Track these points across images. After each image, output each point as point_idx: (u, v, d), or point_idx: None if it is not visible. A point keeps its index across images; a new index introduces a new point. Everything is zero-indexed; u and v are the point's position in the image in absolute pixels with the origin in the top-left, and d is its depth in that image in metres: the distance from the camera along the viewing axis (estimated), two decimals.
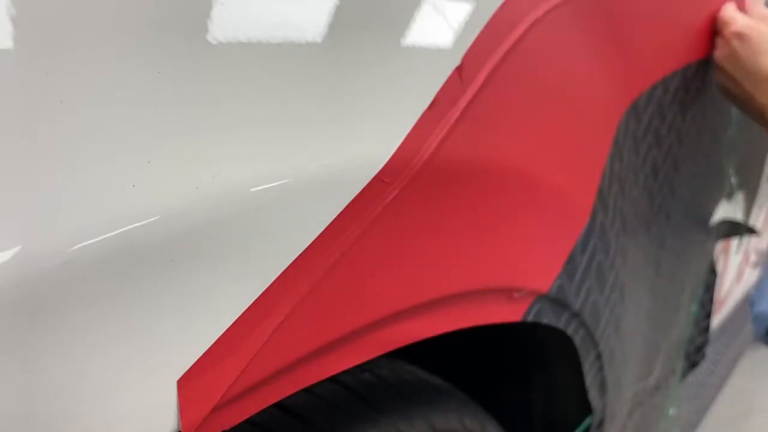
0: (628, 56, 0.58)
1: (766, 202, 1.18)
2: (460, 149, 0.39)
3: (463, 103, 0.39)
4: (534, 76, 0.46)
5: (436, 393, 0.53)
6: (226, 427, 0.31)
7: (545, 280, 0.51)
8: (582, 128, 0.52)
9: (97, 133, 0.26)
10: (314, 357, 0.34)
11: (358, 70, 0.35)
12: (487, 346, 0.67)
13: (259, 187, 0.30)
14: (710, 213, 0.89)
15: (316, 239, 0.32)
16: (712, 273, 1.01)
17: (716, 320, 1.21)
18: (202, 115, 0.29)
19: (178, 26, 0.29)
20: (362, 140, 0.34)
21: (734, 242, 1.15)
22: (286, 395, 0.34)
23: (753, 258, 1.42)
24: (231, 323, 0.30)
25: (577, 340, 0.58)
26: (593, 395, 0.64)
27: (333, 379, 0.46)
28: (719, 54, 0.68)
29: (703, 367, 1.13)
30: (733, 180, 0.90)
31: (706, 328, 1.05)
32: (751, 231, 1.11)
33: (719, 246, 1.02)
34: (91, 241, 0.25)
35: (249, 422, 0.38)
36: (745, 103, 0.67)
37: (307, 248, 0.32)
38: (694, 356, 1.01)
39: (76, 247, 0.24)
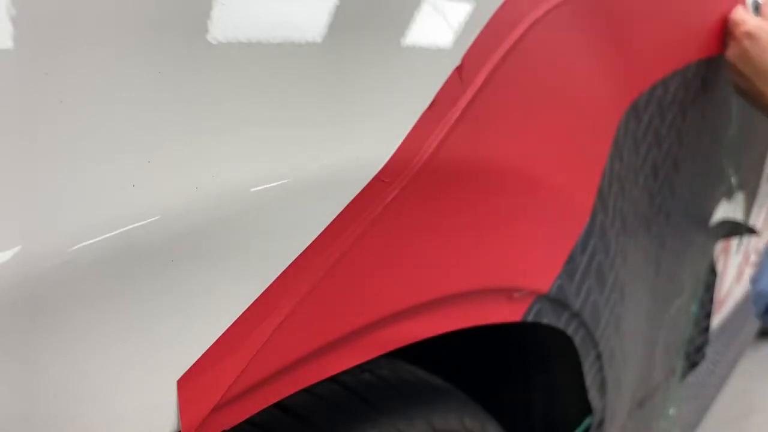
0: (628, 56, 0.58)
1: (766, 202, 1.18)
2: (460, 149, 0.39)
3: (463, 103, 0.39)
4: (534, 76, 0.46)
5: (436, 393, 0.53)
6: (226, 427, 0.31)
7: (545, 280, 0.51)
8: (582, 128, 0.52)
9: (97, 133, 0.26)
10: (314, 357, 0.34)
11: (358, 70, 0.35)
12: (487, 346, 0.67)
13: (259, 187, 0.30)
14: (710, 213, 0.89)
15: (316, 239, 0.32)
16: (712, 273, 1.01)
17: (716, 320, 1.21)
18: (202, 115, 0.29)
19: (178, 26, 0.29)
20: (362, 140, 0.34)
21: (734, 242, 1.15)
22: (286, 395, 0.34)
23: (753, 258, 1.42)
24: (231, 323, 0.30)
25: (577, 340, 0.58)
26: (593, 395, 0.64)
27: (333, 379, 0.46)
28: (731, 53, 0.72)
29: (703, 367, 1.13)
30: (733, 180, 0.90)
31: (706, 328, 1.05)
32: (751, 231, 1.11)
33: (719, 246, 1.02)
34: (91, 241, 0.25)
35: (249, 422, 0.38)
36: (756, 100, 0.72)
37: (307, 248, 0.32)
38: (694, 356, 1.01)
39: (76, 247, 0.24)
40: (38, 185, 0.24)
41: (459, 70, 0.39)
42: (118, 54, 0.27)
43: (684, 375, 0.98)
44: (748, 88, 0.71)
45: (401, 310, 0.38)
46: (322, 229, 0.32)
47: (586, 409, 0.65)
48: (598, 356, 0.62)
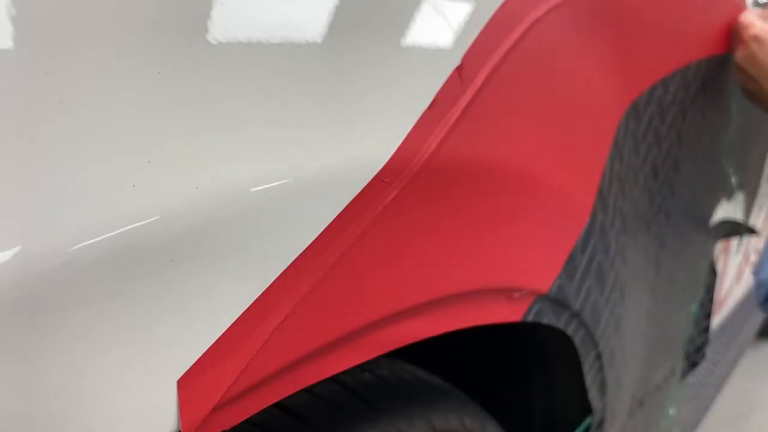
0: (628, 56, 0.58)
1: (766, 202, 1.18)
2: (460, 149, 0.39)
3: (463, 103, 0.39)
4: (534, 76, 0.46)
5: (436, 393, 0.53)
6: (226, 427, 0.31)
7: (545, 280, 0.51)
8: (582, 128, 0.52)
9: (97, 133, 0.26)
10: (314, 357, 0.34)
11: (358, 70, 0.35)
12: (487, 346, 0.67)
13: (259, 187, 0.30)
14: (710, 213, 0.89)
15: (316, 239, 0.32)
16: (712, 273, 1.01)
17: (716, 320, 1.21)
18: (202, 115, 0.29)
19: (178, 26, 0.29)
20: (362, 140, 0.34)
21: (734, 242, 1.15)
22: (286, 395, 0.34)
23: (753, 258, 1.42)
24: (231, 323, 0.30)
25: (577, 340, 0.58)
26: (593, 395, 0.64)
27: (333, 379, 0.46)
28: (739, 55, 0.73)
29: (703, 367, 1.13)
30: (733, 180, 0.90)
31: (706, 328, 1.05)
32: (751, 231, 1.11)
33: (719, 246, 1.02)
34: (91, 241, 0.25)
35: (249, 422, 0.38)
36: (764, 102, 0.73)
37: (307, 248, 0.32)
38: (694, 356, 1.01)
39: (76, 247, 0.24)
40: (38, 185, 0.24)
41: (459, 70, 0.39)
42: (118, 54, 0.27)
43: (684, 375, 0.98)
44: (756, 90, 0.73)
45: (401, 310, 0.38)
46: (322, 229, 0.32)
47: (586, 409, 0.65)
48: (598, 356, 0.62)
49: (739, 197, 0.99)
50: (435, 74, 0.38)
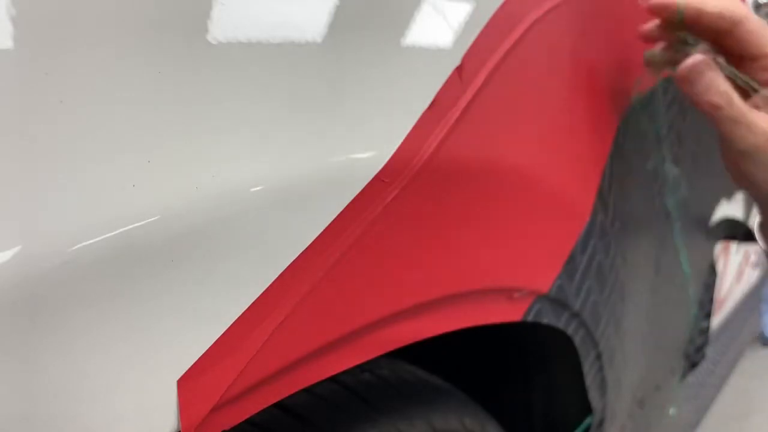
0: (629, 56, 0.58)
1: None
2: (460, 149, 0.39)
3: (463, 103, 0.39)
4: (534, 76, 0.46)
5: (436, 393, 0.53)
6: (226, 427, 0.31)
7: (545, 280, 0.51)
8: (582, 128, 0.52)
9: (97, 133, 0.26)
10: (314, 357, 0.34)
11: (358, 70, 0.35)
12: (487, 346, 0.67)
13: (259, 187, 0.30)
14: (710, 213, 0.89)
15: (316, 239, 0.32)
16: (712, 273, 1.01)
17: (716, 320, 1.21)
18: (202, 115, 0.29)
19: (178, 26, 0.29)
20: (362, 140, 0.34)
21: (734, 242, 1.15)
22: (286, 395, 0.34)
23: (753, 258, 1.42)
24: (231, 323, 0.30)
25: (577, 340, 0.58)
26: (593, 395, 0.64)
27: (333, 379, 0.46)
28: (727, 164, 0.55)
29: (703, 367, 1.13)
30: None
31: (706, 328, 1.05)
32: (750, 236, 1.11)
33: (719, 246, 1.02)
34: (91, 241, 0.25)
35: (249, 422, 0.38)
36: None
37: (307, 248, 0.32)
38: (694, 356, 1.01)
39: (76, 247, 0.24)
40: (38, 185, 0.24)
41: (459, 70, 0.39)
42: (118, 54, 0.27)
43: (684, 375, 0.98)
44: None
45: (401, 310, 0.38)
46: (322, 229, 0.32)
47: (586, 409, 0.65)
48: (598, 356, 0.62)
49: (739, 197, 0.99)
50: (435, 74, 0.38)
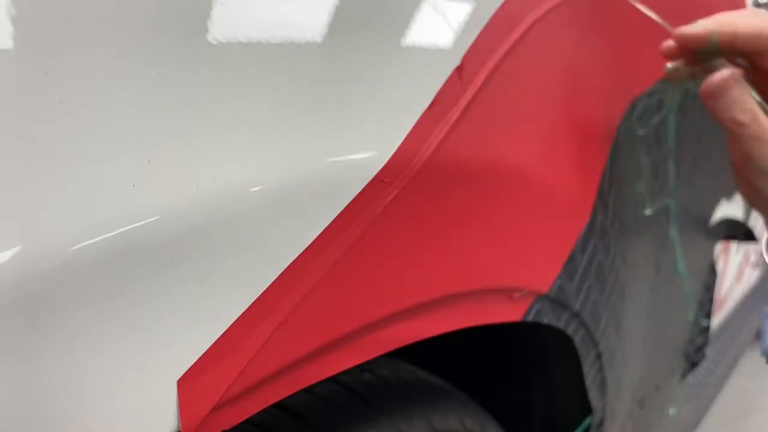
0: (629, 55, 0.58)
1: None
2: (460, 149, 0.39)
3: (463, 103, 0.39)
4: (534, 76, 0.46)
5: (436, 393, 0.53)
6: (226, 427, 0.31)
7: (545, 280, 0.51)
8: (582, 128, 0.52)
9: (97, 133, 0.26)
10: (314, 357, 0.34)
11: (358, 70, 0.35)
12: (487, 346, 0.67)
13: (259, 187, 0.30)
14: (710, 213, 0.89)
15: (316, 239, 0.32)
16: (712, 273, 1.01)
17: (716, 320, 1.21)
18: (202, 115, 0.29)
19: (178, 26, 0.29)
20: (362, 140, 0.34)
21: (734, 242, 1.15)
22: (286, 395, 0.34)
23: (753, 258, 1.42)
24: (231, 323, 0.30)
25: (577, 340, 0.58)
26: (593, 395, 0.64)
27: (333, 379, 0.46)
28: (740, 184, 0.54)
29: (703, 367, 1.13)
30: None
31: (706, 328, 1.05)
32: (750, 236, 1.11)
33: (719, 246, 1.02)
34: (91, 241, 0.25)
35: (249, 422, 0.38)
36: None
37: (306, 248, 0.32)
38: (694, 356, 1.01)
39: (76, 247, 0.24)
40: (38, 185, 0.24)
41: (459, 70, 0.39)
42: (118, 54, 0.27)
43: (684, 375, 0.98)
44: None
45: (401, 310, 0.38)
46: (322, 229, 0.32)
47: (586, 409, 0.65)
48: (598, 356, 0.62)
49: (739, 197, 0.99)
50: (435, 74, 0.38)
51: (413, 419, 0.48)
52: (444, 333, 0.43)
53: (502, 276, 0.46)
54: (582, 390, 0.63)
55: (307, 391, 0.44)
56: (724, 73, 0.45)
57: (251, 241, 0.30)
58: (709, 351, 1.12)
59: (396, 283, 0.38)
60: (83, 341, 0.25)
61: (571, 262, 0.53)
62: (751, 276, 1.48)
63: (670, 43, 0.48)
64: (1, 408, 0.24)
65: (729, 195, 0.94)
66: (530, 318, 0.51)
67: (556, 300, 0.52)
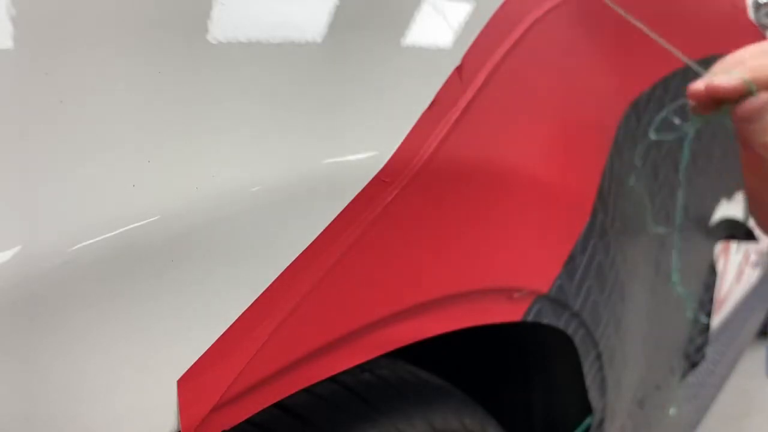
0: (629, 55, 0.58)
1: None
2: (460, 149, 0.39)
3: (463, 103, 0.39)
4: (534, 76, 0.46)
5: (435, 393, 0.53)
6: (226, 427, 0.31)
7: (545, 280, 0.51)
8: (582, 128, 0.52)
9: (97, 132, 0.26)
10: (314, 357, 0.34)
11: (358, 70, 0.35)
12: (487, 346, 0.67)
13: (259, 187, 0.30)
14: (710, 213, 0.89)
15: (315, 239, 0.32)
16: (712, 273, 1.01)
17: (716, 320, 1.21)
18: (202, 115, 0.29)
19: (178, 26, 0.29)
20: (363, 140, 0.34)
21: (734, 242, 1.15)
22: (286, 395, 0.34)
23: (753, 258, 1.42)
24: (231, 323, 0.30)
25: (577, 340, 0.58)
26: (593, 395, 0.64)
27: (333, 379, 0.46)
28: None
29: (703, 367, 1.13)
30: (734, 180, 0.90)
31: (706, 328, 1.05)
32: (750, 236, 1.11)
33: (719, 246, 1.02)
34: (91, 241, 0.25)
35: (249, 422, 0.38)
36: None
37: (307, 248, 0.32)
38: (694, 356, 1.01)
39: (76, 247, 0.24)
40: (38, 185, 0.24)
41: (459, 70, 0.39)
42: (118, 54, 0.27)
43: (684, 375, 0.98)
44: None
45: (401, 310, 0.38)
46: (322, 229, 0.32)
47: (586, 409, 0.65)
48: (598, 356, 0.62)
49: (739, 197, 0.99)
50: (435, 74, 0.38)
51: (413, 419, 0.48)
52: (444, 333, 0.43)
53: (502, 276, 0.46)
54: (582, 390, 0.63)
55: (307, 391, 0.44)
56: (762, 97, 0.44)
57: (251, 241, 0.30)
58: (709, 351, 1.12)
59: (396, 283, 0.38)
60: (83, 341, 0.25)
61: (571, 262, 0.53)
62: (751, 276, 1.48)
63: (699, 87, 0.46)
64: (1, 408, 0.24)
65: (729, 195, 0.94)
66: (530, 318, 0.51)
67: (556, 300, 0.52)
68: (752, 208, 0.52)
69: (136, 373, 0.27)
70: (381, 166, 0.35)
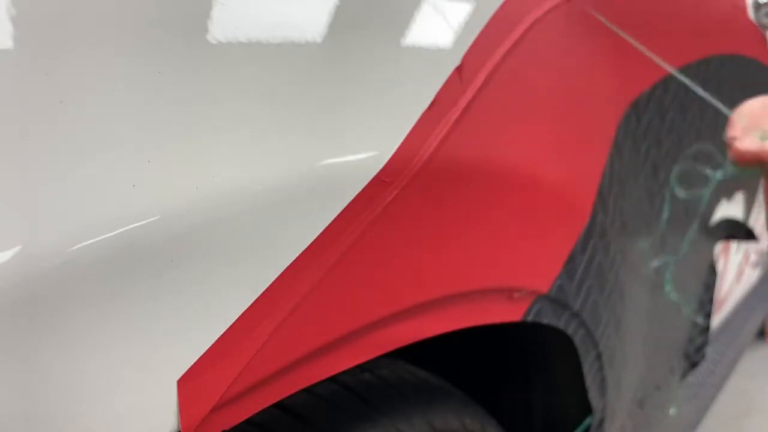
0: (629, 56, 0.58)
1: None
2: (460, 149, 0.39)
3: (463, 103, 0.39)
4: (534, 76, 0.46)
5: (435, 393, 0.53)
6: (226, 427, 0.31)
7: (545, 280, 0.51)
8: (582, 128, 0.52)
9: (97, 132, 0.26)
10: (314, 357, 0.34)
11: (358, 70, 0.35)
12: (487, 346, 0.67)
13: (259, 187, 0.30)
14: (710, 213, 0.89)
15: (316, 239, 0.32)
16: (712, 273, 1.01)
17: (716, 320, 1.21)
18: (202, 115, 0.29)
19: (178, 26, 0.29)
20: (363, 140, 0.34)
21: (734, 242, 1.15)
22: (286, 395, 0.34)
23: (753, 258, 1.42)
24: (231, 323, 0.30)
25: (577, 340, 0.58)
26: (593, 395, 0.64)
27: (333, 379, 0.46)
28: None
29: (703, 367, 1.13)
30: (734, 180, 0.90)
31: (706, 328, 1.05)
32: (750, 235, 1.11)
33: (719, 246, 1.02)
34: (91, 241, 0.25)
35: (249, 422, 0.38)
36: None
37: (307, 248, 0.32)
38: (694, 356, 1.01)
39: (76, 247, 0.24)
40: (38, 185, 0.24)
41: (459, 70, 0.39)
42: (118, 54, 0.27)
43: (684, 375, 0.98)
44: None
45: (401, 310, 0.38)
46: (322, 229, 0.32)
47: (586, 409, 0.65)
48: (598, 356, 0.62)
49: (739, 197, 0.99)
50: (435, 74, 0.38)
51: (413, 419, 0.48)
52: (444, 333, 0.43)
53: (502, 276, 0.46)
54: (582, 390, 0.63)
55: (307, 391, 0.44)
56: None
57: (251, 241, 0.30)
58: (709, 351, 1.12)
59: (396, 283, 0.38)
60: (83, 341, 0.25)
61: (571, 262, 0.53)
62: (751, 276, 1.48)
63: (750, 149, 0.46)
64: (1, 408, 0.24)
65: (729, 195, 0.94)
66: (530, 318, 0.51)
67: (556, 300, 0.52)
68: None
69: (136, 373, 0.27)
70: (381, 166, 0.35)
